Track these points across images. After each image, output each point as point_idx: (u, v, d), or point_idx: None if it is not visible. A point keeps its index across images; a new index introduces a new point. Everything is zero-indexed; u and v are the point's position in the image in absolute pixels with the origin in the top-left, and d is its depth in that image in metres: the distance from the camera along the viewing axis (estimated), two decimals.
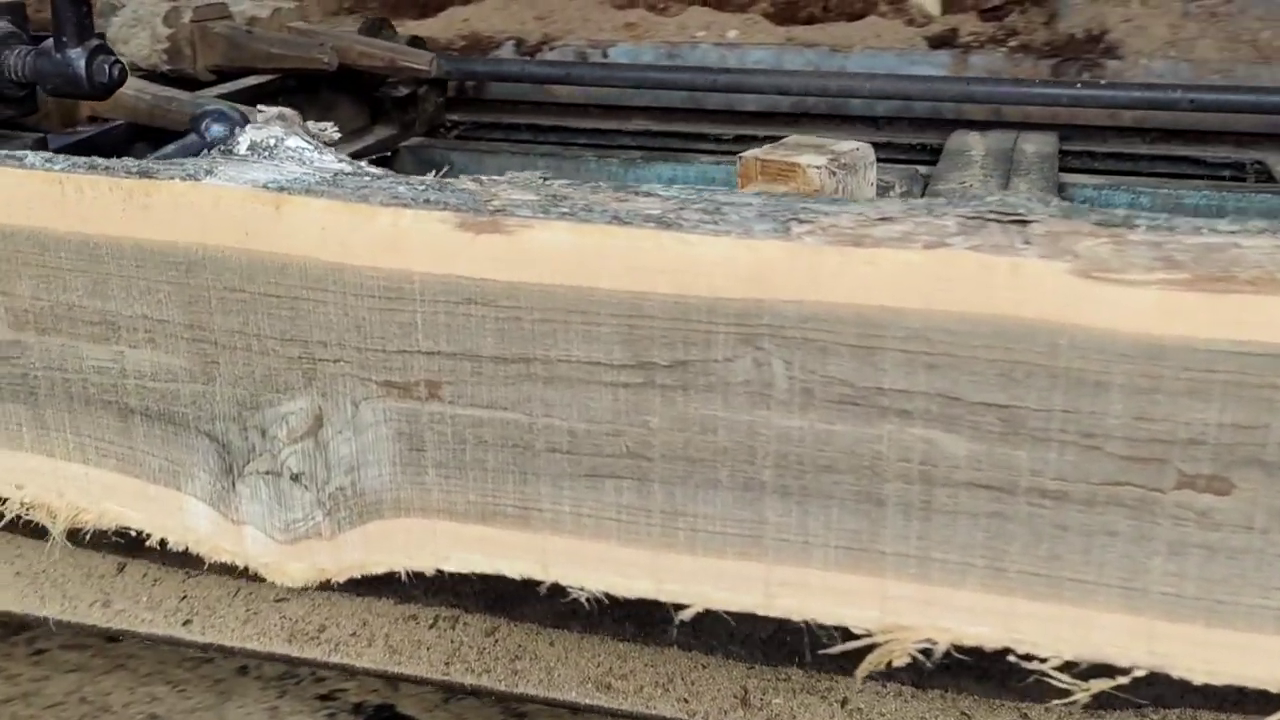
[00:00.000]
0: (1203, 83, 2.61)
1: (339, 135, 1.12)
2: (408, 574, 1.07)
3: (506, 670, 1.76)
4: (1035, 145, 2.55)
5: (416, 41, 2.91)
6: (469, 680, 1.76)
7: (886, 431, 0.90)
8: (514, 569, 1.04)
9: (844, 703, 1.68)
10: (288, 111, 1.12)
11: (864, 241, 0.86)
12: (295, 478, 1.06)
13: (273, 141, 1.07)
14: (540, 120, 3.07)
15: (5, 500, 1.16)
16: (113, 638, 2.14)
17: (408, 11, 3.51)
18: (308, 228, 0.97)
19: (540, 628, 1.85)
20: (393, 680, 1.86)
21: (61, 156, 1.04)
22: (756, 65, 2.92)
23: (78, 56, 1.61)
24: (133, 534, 1.15)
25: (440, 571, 1.06)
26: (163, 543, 1.13)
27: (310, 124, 1.12)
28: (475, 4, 3.60)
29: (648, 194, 0.96)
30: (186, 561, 1.30)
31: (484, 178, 1.00)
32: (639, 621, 1.88)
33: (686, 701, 1.70)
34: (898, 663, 0.97)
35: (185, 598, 1.90)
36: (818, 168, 1.98)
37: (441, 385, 0.99)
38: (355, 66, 2.64)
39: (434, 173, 1.07)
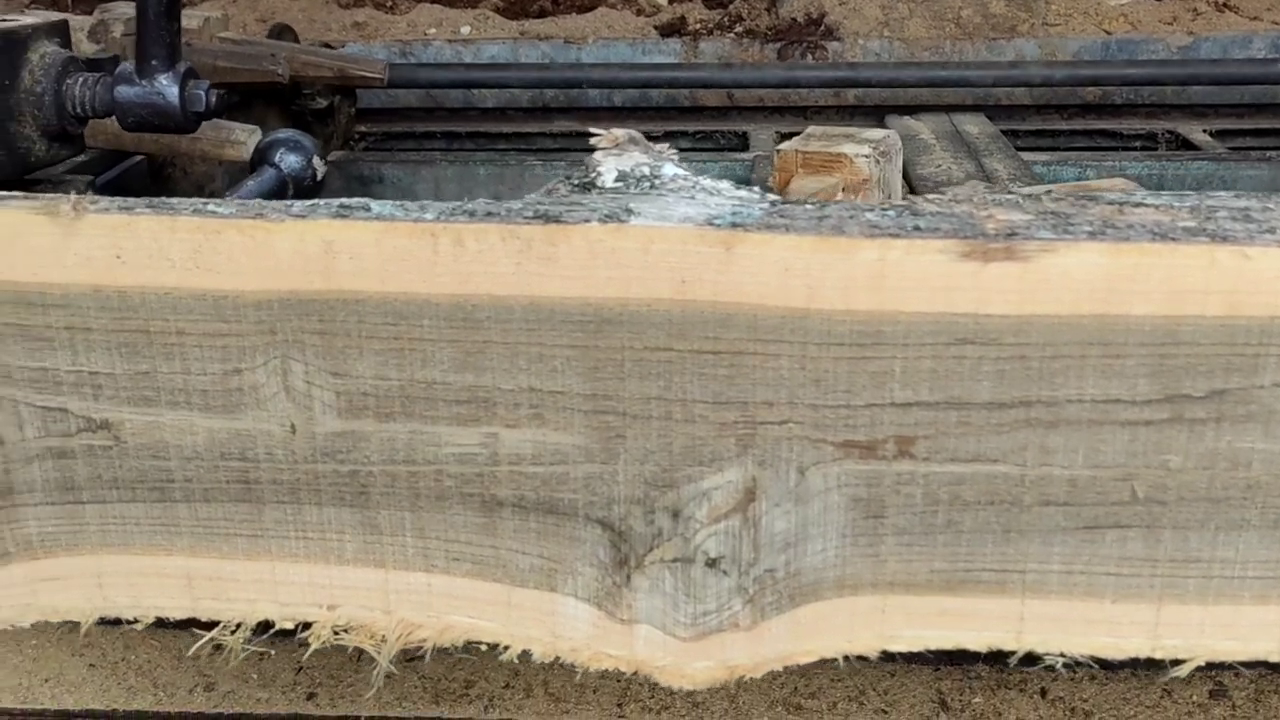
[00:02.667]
0: (1123, 59, 2.74)
1: (677, 157, 0.97)
2: (846, 659, 0.93)
3: (686, 704, 1.64)
4: (976, 126, 2.60)
5: None
6: (647, 719, 1.62)
7: None
8: (981, 640, 0.92)
9: (1043, 693, 1.63)
10: (635, 134, 0.97)
11: None
12: (712, 563, 0.91)
13: (646, 170, 0.92)
14: (455, 127, 2.93)
15: (309, 625, 0.96)
16: None
17: None
18: (766, 270, 0.83)
19: None
20: None
21: (432, 204, 0.85)
22: (493, 60, 2.87)
23: (169, 83, 1.38)
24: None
25: (886, 653, 0.93)
26: (525, 654, 0.95)
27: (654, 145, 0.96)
28: (190, 6, 3.41)
29: (1141, 204, 0.86)
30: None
31: (939, 196, 0.87)
32: None
33: (885, 713, 1.62)
34: None
35: (301, 669, 1.69)
36: (865, 157, 1.91)
37: (916, 440, 0.87)
38: (301, 78, 2.46)
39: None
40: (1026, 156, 2.52)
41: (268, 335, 0.88)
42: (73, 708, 1.66)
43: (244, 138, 1.92)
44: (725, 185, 0.90)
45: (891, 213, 0.85)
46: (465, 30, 2.97)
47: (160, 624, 1.07)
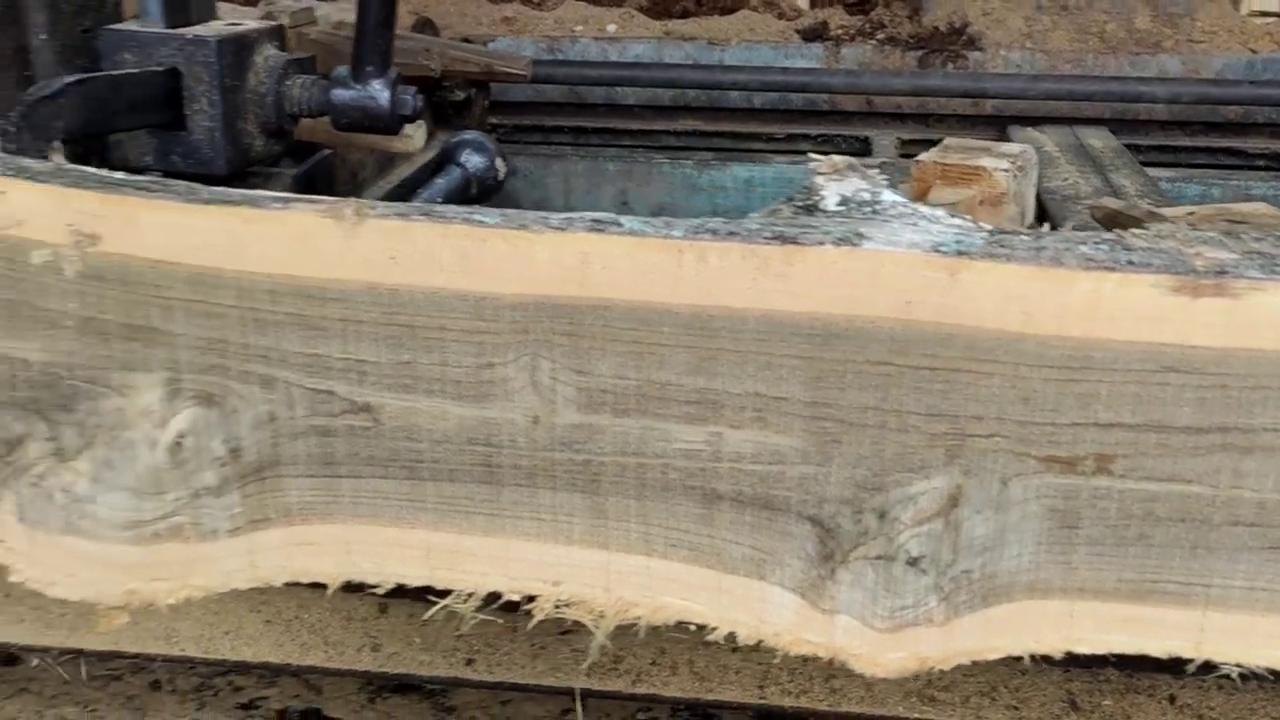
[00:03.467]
0: (1264, 78, 2.74)
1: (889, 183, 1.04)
2: (1032, 658, 1.01)
3: (824, 689, 1.71)
4: (1100, 140, 2.62)
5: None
6: (787, 702, 1.69)
7: None
8: (1161, 647, 0.98)
9: (1172, 699, 1.67)
10: (853, 160, 1.04)
11: None
12: (913, 562, 0.98)
13: (867, 195, 0.99)
14: (584, 122, 3.03)
15: (534, 598, 1.05)
16: (8, 660, 2.02)
17: None
18: (987, 295, 0.90)
19: None
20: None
21: (679, 221, 0.94)
22: (638, 59, 2.96)
23: (381, 88, 1.49)
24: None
25: (1071, 654, 1.00)
26: (730, 636, 1.04)
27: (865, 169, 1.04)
28: None
29: None
30: None
31: (1145, 231, 0.94)
32: None
33: (1016, 709, 1.67)
34: None
35: (460, 636, 1.78)
36: (1004, 171, 1.95)
37: (1115, 459, 0.93)
38: (450, 73, 2.57)
39: None
40: (1153, 172, 2.55)
41: (520, 334, 0.97)
42: (250, 659, 1.78)
43: (413, 132, 2.03)
44: (941, 213, 0.97)
45: (1105, 246, 0.92)
46: (611, 28, 3.07)
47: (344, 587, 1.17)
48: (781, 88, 2.88)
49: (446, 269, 0.96)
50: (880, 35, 2.92)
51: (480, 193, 1.68)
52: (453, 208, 0.97)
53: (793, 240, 0.92)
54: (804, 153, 2.97)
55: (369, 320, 0.98)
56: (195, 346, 1.01)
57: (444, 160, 1.70)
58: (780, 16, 3.11)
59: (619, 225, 0.94)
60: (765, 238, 0.93)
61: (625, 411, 0.98)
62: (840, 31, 2.97)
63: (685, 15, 3.18)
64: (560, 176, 2.84)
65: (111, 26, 1.41)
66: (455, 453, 1.01)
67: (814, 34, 2.97)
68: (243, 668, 1.93)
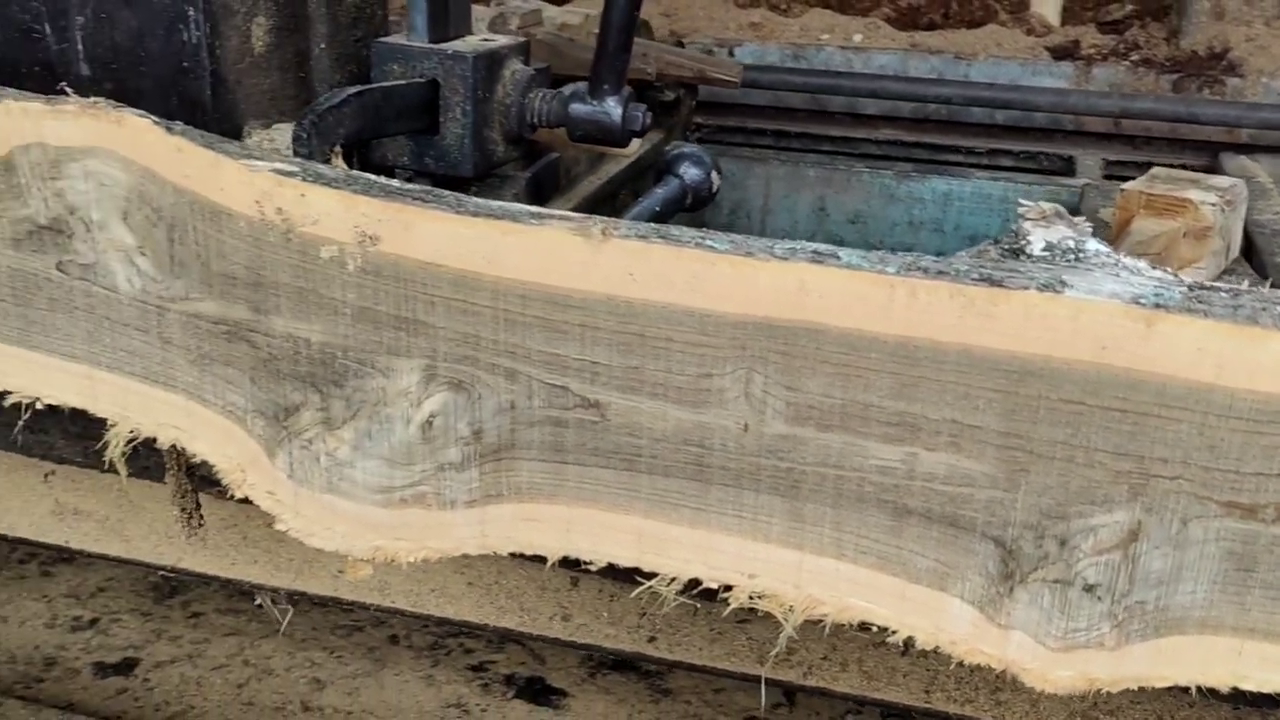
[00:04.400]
0: None
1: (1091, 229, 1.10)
2: (1199, 691, 1.06)
3: (989, 701, 1.76)
4: None
5: None
6: (951, 709, 1.75)
7: None
8: None
9: None
10: (1059, 208, 1.11)
11: None
12: (1089, 588, 1.05)
13: (1071, 243, 1.06)
14: (787, 126, 3.09)
15: (731, 588, 1.16)
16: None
17: None
18: (1181, 347, 0.96)
19: None
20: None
21: (893, 257, 1.03)
22: (882, 70, 2.99)
23: (615, 105, 1.61)
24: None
25: (1239, 692, 1.05)
26: (908, 641, 1.12)
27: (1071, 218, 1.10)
28: (572, 2, 3.62)
29: None
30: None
31: None
32: None
33: None
34: None
35: (645, 614, 1.90)
36: (1211, 204, 1.93)
37: None
38: (665, 76, 2.68)
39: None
40: None
41: (739, 350, 1.07)
42: (452, 617, 1.94)
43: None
44: (1143, 265, 1.03)
45: None
46: (857, 38, 3.13)
47: (535, 559, 1.29)
48: (986, 103, 2.90)
49: (677, 287, 1.07)
50: (1134, 56, 2.88)
51: (694, 203, 1.79)
52: (688, 231, 1.08)
53: (999, 283, 1.00)
54: (1005, 168, 3.00)
55: (605, 327, 1.10)
56: (452, 339, 1.14)
57: (663, 170, 1.82)
58: (1029, 32, 3.10)
59: (837, 258, 1.04)
60: (973, 278, 1.01)
61: (829, 427, 1.08)
62: (1092, 50, 2.94)
63: (932, 27, 3.21)
64: (761, 179, 2.94)
65: (382, 40, 1.57)
66: (671, 450, 1.12)
67: (1064, 52, 2.95)
68: (472, 631, 2.09)
